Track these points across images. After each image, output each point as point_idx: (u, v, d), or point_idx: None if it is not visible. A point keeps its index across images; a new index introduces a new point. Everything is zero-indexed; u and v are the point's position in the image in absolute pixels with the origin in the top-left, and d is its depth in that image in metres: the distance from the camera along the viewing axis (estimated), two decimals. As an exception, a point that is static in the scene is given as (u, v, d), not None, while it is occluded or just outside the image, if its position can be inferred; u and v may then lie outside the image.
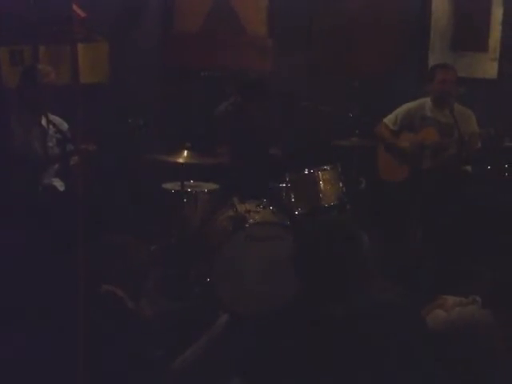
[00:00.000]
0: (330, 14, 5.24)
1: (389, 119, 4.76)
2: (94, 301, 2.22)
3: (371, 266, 1.89)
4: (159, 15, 5.03)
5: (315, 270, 1.89)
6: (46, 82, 3.84)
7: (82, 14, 2.21)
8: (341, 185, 4.24)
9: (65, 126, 4.01)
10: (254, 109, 4.57)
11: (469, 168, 4.61)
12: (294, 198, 4.10)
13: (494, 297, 2.24)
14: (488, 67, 5.44)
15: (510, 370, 2.10)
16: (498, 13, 5.36)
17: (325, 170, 4.19)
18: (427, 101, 4.66)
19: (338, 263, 1.84)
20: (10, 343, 2.72)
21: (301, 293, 1.99)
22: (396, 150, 4.69)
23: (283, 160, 4.56)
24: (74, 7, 2.23)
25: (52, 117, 3.94)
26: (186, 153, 3.92)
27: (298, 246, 1.99)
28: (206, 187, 4.32)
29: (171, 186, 4.24)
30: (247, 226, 3.70)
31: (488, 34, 5.40)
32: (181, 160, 3.90)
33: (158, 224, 4.29)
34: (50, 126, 3.90)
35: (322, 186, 4.14)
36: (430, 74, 4.63)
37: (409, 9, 5.35)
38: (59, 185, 4.07)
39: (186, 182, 4.10)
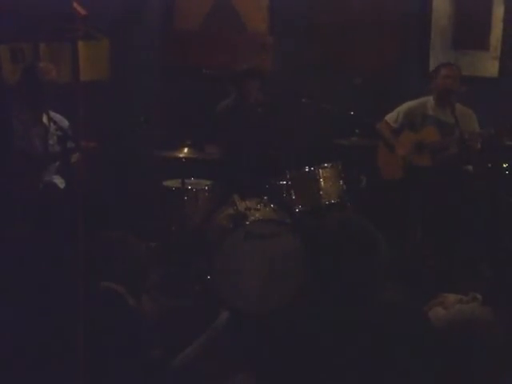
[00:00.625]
0: (331, 11, 5.24)
1: (390, 117, 4.76)
2: (95, 297, 2.22)
3: (386, 267, 1.88)
4: (160, 13, 5.03)
5: (332, 270, 1.86)
6: (46, 80, 3.85)
7: (82, 11, 2.21)
8: (341, 183, 4.24)
9: (66, 123, 4.01)
10: (254, 105, 4.57)
11: (469, 167, 4.61)
12: (295, 195, 4.11)
13: (494, 294, 2.24)
14: (489, 66, 5.43)
15: (510, 368, 2.10)
16: (499, 11, 5.35)
17: (325, 167, 4.20)
18: (429, 99, 4.66)
19: (358, 265, 1.82)
20: (10, 340, 2.72)
21: (312, 293, 1.95)
22: (396, 149, 4.68)
23: (284, 157, 4.56)
24: (75, 5, 2.22)
25: (53, 114, 3.95)
26: (186, 150, 3.93)
27: (313, 246, 1.95)
28: (207, 185, 4.32)
29: (172, 184, 4.25)
30: (247, 223, 3.71)
31: (489, 32, 5.38)
32: (181, 157, 3.90)
33: (158, 221, 4.29)
34: (51, 124, 3.90)
35: (322, 183, 4.15)
36: (434, 72, 4.64)
37: (410, 7, 5.35)
38: (60, 182, 4.08)
39: (186, 180, 4.11)
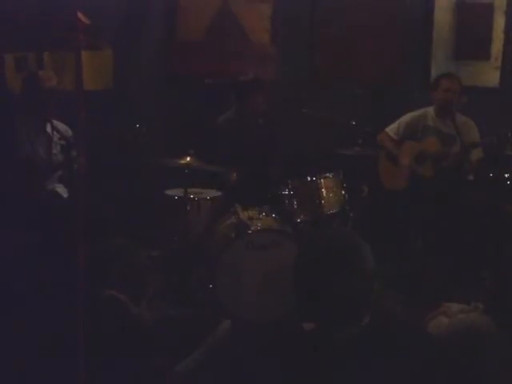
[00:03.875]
0: (333, 23, 5.27)
1: (391, 129, 4.75)
2: (97, 305, 2.23)
3: (373, 280, 1.85)
4: (163, 23, 5.06)
5: (314, 287, 1.84)
6: (48, 88, 3.87)
7: (86, 21, 2.23)
8: (343, 192, 4.25)
9: (69, 132, 4.03)
10: (255, 116, 4.59)
11: (470, 177, 4.61)
12: (297, 205, 4.11)
13: (495, 303, 2.25)
14: (490, 76, 5.45)
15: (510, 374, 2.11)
16: (500, 21, 5.37)
17: (327, 177, 4.20)
18: (430, 110, 4.66)
19: (340, 278, 1.81)
20: (12, 348, 2.73)
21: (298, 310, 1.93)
22: (397, 160, 4.68)
23: (285, 167, 4.57)
24: (79, 15, 2.24)
25: (56, 123, 3.96)
26: (189, 159, 3.95)
27: (297, 261, 1.92)
28: (209, 194, 4.33)
29: (174, 193, 4.25)
30: (249, 232, 3.71)
31: (490, 42, 5.40)
32: (184, 167, 3.92)
33: (160, 230, 4.30)
34: (54, 133, 3.92)
35: (324, 193, 4.15)
36: (434, 84, 4.63)
37: (411, 18, 5.37)
38: (62, 191, 4.09)
39: (188, 189, 4.12)
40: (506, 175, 4.76)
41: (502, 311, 2.19)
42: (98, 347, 2.04)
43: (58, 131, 3.90)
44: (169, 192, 4.30)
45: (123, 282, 2.55)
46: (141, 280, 2.64)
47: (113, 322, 2.28)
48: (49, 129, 3.95)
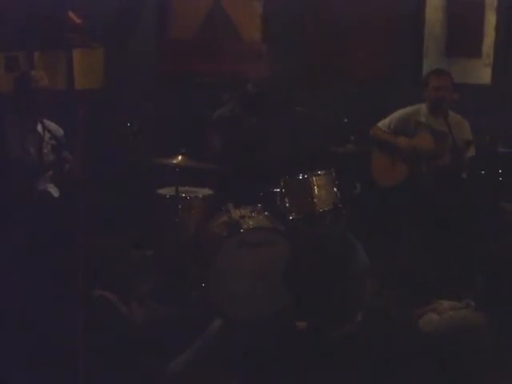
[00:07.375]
0: (325, 20, 5.27)
1: (383, 123, 4.72)
2: (88, 305, 2.22)
3: (367, 278, 1.85)
4: (155, 21, 5.05)
5: (308, 286, 1.84)
6: (39, 88, 3.86)
7: (77, 20, 2.22)
8: (335, 190, 4.25)
9: (60, 132, 4.02)
10: (251, 117, 4.59)
11: (463, 174, 4.61)
12: (289, 203, 4.11)
13: (486, 300, 2.26)
14: (482, 73, 5.47)
15: (500, 371, 2.11)
16: (491, 19, 5.40)
17: (319, 175, 4.20)
18: (422, 106, 4.65)
19: (333, 277, 1.80)
20: (7, 347, 2.72)
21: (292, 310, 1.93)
22: (391, 148, 4.65)
23: (278, 165, 4.57)
24: (70, 14, 2.24)
25: (48, 123, 3.96)
26: (180, 158, 3.94)
27: (290, 260, 1.92)
28: (201, 193, 4.33)
29: (166, 192, 4.25)
30: (241, 231, 3.72)
31: (481, 39, 5.43)
32: (176, 166, 3.91)
33: (152, 229, 4.29)
34: (46, 133, 3.91)
35: (316, 191, 4.15)
36: (425, 80, 4.61)
37: (403, 15, 5.38)
38: (54, 191, 4.07)
39: (180, 188, 4.11)
40: (499, 171, 4.78)
41: (493, 308, 2.20)
42: (87, 347, 2.04)
43: (49, 131, 3.90)
44: (161, 191, 4.29)
45: (116, 281, 2.54)
46: (131, 280, 2.63)
47: (102, 321, 2.28)
48: (40, 128, 3.93)
